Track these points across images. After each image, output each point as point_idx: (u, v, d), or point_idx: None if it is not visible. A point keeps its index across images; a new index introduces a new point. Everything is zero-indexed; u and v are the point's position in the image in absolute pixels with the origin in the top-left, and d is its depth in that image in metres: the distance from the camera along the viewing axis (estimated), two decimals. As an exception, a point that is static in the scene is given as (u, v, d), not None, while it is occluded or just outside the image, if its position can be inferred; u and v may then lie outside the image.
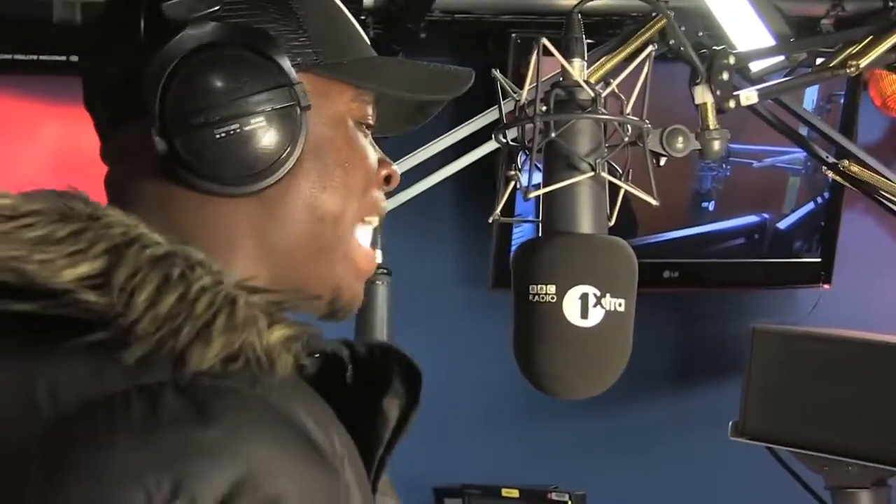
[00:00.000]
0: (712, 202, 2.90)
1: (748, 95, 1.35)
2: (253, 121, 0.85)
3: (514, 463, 2.78)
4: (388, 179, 0.95)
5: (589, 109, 1.06)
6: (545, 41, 1.06)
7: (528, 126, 1.08)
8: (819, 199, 3.02)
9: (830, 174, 2.02)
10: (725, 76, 1.30)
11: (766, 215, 2.98)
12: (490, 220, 1.18)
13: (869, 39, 1.51)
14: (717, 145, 1.26)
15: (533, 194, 1.06)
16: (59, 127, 2.40)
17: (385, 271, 1.94)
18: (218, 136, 0.84)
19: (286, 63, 0.86)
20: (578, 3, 1.12)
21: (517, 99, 1.10)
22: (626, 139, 1.10)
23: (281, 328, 0.81)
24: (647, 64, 1.08)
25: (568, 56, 1.09)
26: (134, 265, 0.78)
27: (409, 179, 1.92)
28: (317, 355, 0.86)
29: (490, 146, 2.04)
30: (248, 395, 0.77)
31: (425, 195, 1.97)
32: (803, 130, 2.29)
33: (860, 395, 2.27)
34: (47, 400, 0.75)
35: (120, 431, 0.72)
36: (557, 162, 1.07)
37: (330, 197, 0.90)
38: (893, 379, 2.25)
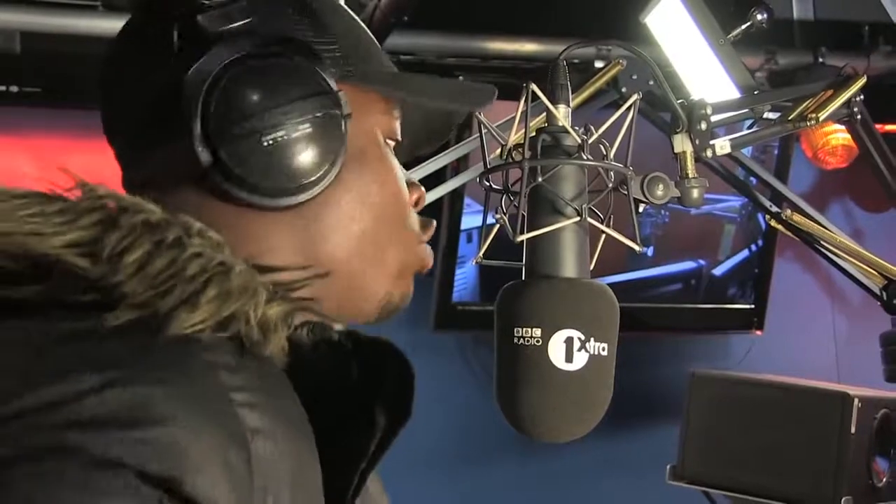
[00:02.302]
0: (650, 248, 2.95)
1: (722, 145, 1.38)
2: (300, 127, 0.83)
3: (451, 506, 2.77)
4: (416, 202, 0.95)
5: (575, 155, 1.07)
6: (534, 87, 1.07)
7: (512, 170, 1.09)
8: (753, 247, 3.09)
9: (773, 223, 2.07)
10: (703, 126, 1.33)
11: (701, 261, 3.04)
12: (473, 262, 1.18)
13: (826, 93, 1.56)
14: (696, 193, 1.28)
15: (521, 238, 1.07)
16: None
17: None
18: (265, 143, 0.82)
19: (325, 72, 0.85)
20: (564, 50, 1.13)
21: (503, 143, 1.11)
22: (611, 185, 1.11)
23: (281, 304, 0.78)
24: (631, 111, 1.10)
25: (553, 102, 1.10)
26: (126, 229, 0.75)
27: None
28: (318, 344, 0.83)
29: (441, 191, 2.04)
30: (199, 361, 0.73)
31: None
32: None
33: (794, 439, 2.31)
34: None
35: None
36: (542, 206, 1.08)
37: (369, 211, 0.89)
38: (826, 424, 2.30)
